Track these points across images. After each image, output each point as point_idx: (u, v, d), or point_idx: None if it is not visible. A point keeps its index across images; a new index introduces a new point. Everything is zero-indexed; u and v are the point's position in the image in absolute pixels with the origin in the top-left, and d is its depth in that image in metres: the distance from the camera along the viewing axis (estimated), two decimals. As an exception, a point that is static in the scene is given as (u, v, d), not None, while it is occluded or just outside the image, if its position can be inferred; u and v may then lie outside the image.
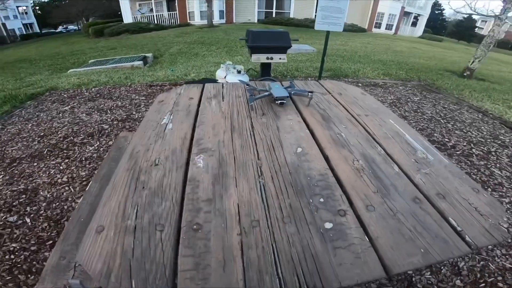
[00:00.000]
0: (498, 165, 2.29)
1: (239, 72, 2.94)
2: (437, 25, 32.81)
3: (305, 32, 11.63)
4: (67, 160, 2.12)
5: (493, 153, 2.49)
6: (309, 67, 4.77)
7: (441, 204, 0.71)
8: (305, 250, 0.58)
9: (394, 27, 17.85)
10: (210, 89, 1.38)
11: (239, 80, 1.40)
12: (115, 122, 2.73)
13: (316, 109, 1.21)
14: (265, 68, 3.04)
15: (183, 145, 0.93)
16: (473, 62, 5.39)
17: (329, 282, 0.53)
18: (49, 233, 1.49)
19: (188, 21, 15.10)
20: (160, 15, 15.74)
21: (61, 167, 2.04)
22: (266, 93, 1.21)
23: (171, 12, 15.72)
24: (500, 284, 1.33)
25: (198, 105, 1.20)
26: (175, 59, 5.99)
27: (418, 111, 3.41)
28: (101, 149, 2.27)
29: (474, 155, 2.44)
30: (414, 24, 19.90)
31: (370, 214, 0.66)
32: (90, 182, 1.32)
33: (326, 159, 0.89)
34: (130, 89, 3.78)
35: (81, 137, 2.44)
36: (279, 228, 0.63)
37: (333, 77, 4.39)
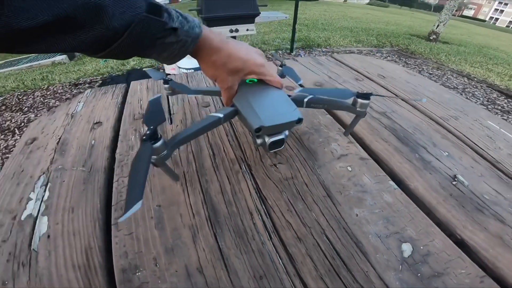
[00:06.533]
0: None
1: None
2: (381, -9, 33.78)
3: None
4: None
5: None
6: (276, 38, 4.09)
7: None
8: None
9: (344, -5, 17.65)
10: (140, 95, 0.68)
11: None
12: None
13: (373, 117, 0.60)
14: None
15: None
16: (438, 25, 5.20)
17: None
18: None
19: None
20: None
21: None
22: (220, 115, 0.39)
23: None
24: None
25: (113, 150, 0.51)
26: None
27: (407, 81, 3.01)
28: None
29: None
30: (362, -9, 19.93)
31: None
32: None
33: (466, 249, 0.32)
34: (48, 93, 2.78)
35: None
36: None
37: (304, 48, 3.79)
